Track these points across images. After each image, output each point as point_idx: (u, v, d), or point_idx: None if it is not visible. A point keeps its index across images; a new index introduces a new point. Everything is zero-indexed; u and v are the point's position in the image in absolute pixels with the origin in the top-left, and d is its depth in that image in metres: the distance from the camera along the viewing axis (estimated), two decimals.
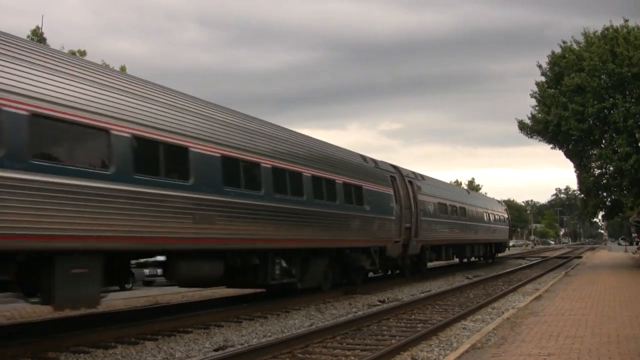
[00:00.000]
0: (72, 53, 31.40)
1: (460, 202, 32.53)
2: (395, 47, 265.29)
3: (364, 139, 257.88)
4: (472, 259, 39.83)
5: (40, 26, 33.78)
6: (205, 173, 12.98)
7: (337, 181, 18.73)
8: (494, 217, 41.14)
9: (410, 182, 25.61)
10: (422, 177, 27.94)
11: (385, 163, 24.24)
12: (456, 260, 36.18)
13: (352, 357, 9.76)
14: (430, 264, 31.90)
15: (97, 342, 10.78)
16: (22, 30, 37.52)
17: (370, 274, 25.09)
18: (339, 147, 20.66)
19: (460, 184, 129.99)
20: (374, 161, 22.80)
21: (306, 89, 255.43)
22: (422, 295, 19.18)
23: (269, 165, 15.34)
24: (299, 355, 9.90)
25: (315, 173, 17.47)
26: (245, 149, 14.56)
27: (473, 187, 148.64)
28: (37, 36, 32.89)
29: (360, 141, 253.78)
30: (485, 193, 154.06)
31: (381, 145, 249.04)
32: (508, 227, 45.36)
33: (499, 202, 46.69)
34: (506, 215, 45.33)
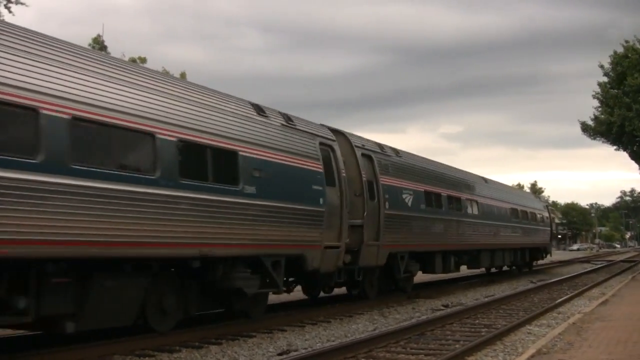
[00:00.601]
0: (133, 60, 32.29)
1: (467, 194, 22.89)
2: (455, 50, 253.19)
3: (424, 142, 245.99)
4: (504, 268, 30.28)
5: (101, 34, 34.14)
6: None
7: (159, 136, 9.78)
8: (529, 215, 31.10)
9: (367, 157, 16.35)
10: (397, 152, 18.54)
11: (317, 125, 15.08)
12: (465, 272, 26.58)
13: None
14: (426, 277, 22.58)
15: (162, 345, 10.19)
16: (84, 38, 37.42)
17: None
18: (176, 78, 11.69)
19: (522, 187, 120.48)
20: (285, 117, 13.66)
21: (367, 93, 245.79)
22: (486, 299, 18.26)
23: None
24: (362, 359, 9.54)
25: (84, 114, 8.66)
26: None
27: (535, 190, 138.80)
28: (99, 44, 33.04)
29: (420, 144, 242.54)
30: (548, 196, 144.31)
31: (441, 148, 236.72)
32: (549, 229, 34.96)
33: (535, 197, 36.29)
34: (546, 214, 34.92)
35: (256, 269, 12.02)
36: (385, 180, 16.68)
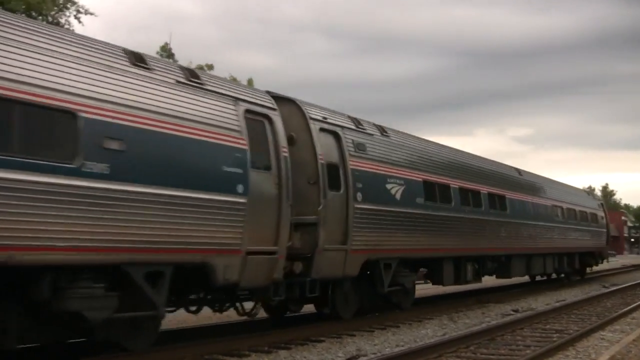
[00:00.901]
0: (200, 67, 32.93)
1: (490, 187, 18.43)
2: (522, 51, 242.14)
3: (492, 145, 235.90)
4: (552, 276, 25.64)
5: (168, 42, 34.65)
6: None
7: None
8: (577, 214, 26.13)
9: (332, 133, 12.26)
10: (383, 130, 14.27)
11: (247, 87, 11.21)
12: (494, 281, 22.03)
13: None
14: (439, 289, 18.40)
15: (230, 350, 9.95)
16: (152, 46, 37.92)
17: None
18: None
19: (594, 189, 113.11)
20: (187, 72, 9.69)
21: (434, 96, 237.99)
22: (557, 304, 17.43)
23: None
24: None
25: None
26: None
27: (607, 193, 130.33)
28: (166, 51, 33.63)
29: (489, 147, 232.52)
30: (620, 199, 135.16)
31: (511, 151, 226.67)
32: (605, 230, 29.67)
33: (588, 193, 30.94)
34: (601, 213, 29.63)
35: (118, 283, 8.24)
36: (359, 164, 12.59)
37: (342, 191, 12.06)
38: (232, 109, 10.01)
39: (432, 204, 15.02)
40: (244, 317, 11.68)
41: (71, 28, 26.60)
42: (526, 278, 25.05)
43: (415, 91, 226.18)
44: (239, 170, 9.75)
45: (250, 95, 10.65)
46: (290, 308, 13.68)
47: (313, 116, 11.87)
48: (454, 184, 16.27)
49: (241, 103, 10.25)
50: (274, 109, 10.94)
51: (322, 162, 11.60)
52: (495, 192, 18.61)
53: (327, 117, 12.34)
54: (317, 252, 11.31)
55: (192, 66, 31.57)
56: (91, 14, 27.81)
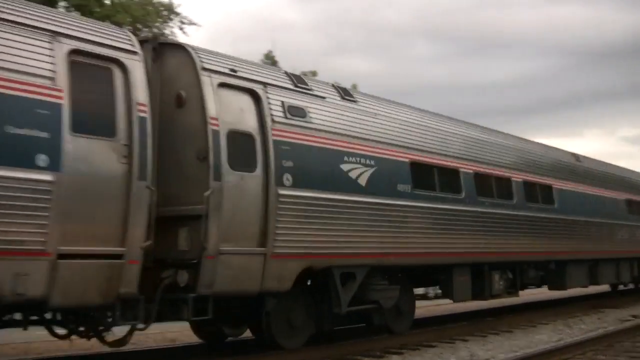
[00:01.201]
0: (304, 74, 33.43)
1: (527, 174, 14.14)
2: (632, 49, 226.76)
3: (602, 146, 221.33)
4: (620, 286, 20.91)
5: (272, 50, 34.57)
6: None
7: None
8: None
9: (245, 91, 8.72)
10: (345, 92, 10.48)
11: (80, 19, 7.80)
12: (537, 293, 17.58)
13: None
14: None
15: (343, 355, 9.83)
16: (256, 54, 35.82)
17: None
18: None
19: None
20: None
21: (539, 98, 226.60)
22: None
23: None
24: None
25: None
26: None
27: None
28: (270, 59, 34.26)
29: (598, 148, 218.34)
30: None
31: (620, 152, 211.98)
32: None
33: None
34: None
35: None
36: (291, 135, 8.99)
37: (257, 171, 8.54)
38: (44, 47, 6.82)
39: (425, 192, 11.13)
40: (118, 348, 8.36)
41: (176, 38, 27.20)
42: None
43: (521, 93, 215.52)
44: (43, 134, 6.53)
45: (85, 32, 7.36)
46: (225, 332, 10.35)
47: (208, 66, 8.38)
48: (466, 167, 12.27)
49: (64, 40, 7.02)
50: (131, 53, 7.62)
51: (216, 128, 8.10)
52: (536, 181, 14.33)
53: (239, 69, 8.85)
54: (205, 257, 7.86)
55: (297, 72, 31.02)
56: (194, 24, 27.96)
